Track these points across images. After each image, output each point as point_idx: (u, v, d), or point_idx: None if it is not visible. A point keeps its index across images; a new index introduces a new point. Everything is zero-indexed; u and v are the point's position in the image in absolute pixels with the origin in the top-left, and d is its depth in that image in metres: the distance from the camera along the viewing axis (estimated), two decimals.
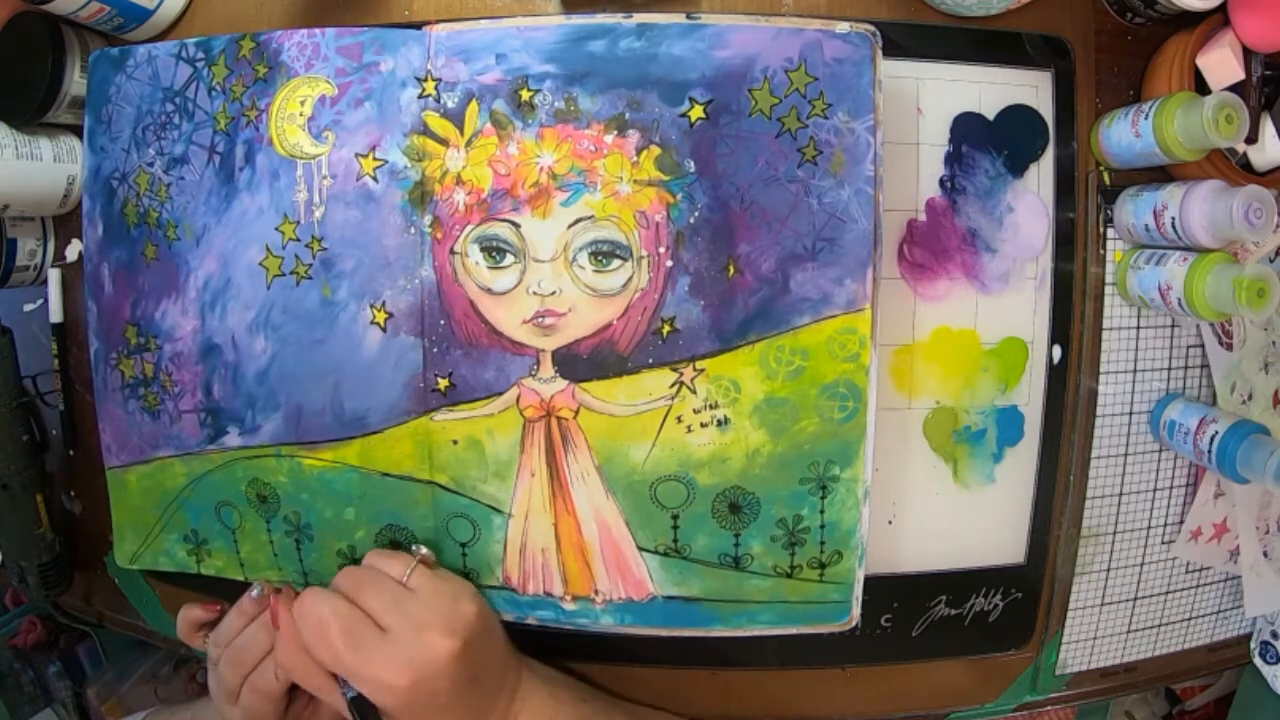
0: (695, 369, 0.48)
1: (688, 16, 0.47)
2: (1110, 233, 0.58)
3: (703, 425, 0.48)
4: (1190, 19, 0.53)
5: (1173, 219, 0.52)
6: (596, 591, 0.51)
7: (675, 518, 0.49)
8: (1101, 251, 0.58)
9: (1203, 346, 0.59)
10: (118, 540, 0.56)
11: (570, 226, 0.47)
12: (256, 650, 0.48)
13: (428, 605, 0.46)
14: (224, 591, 0.55)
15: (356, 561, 0.52)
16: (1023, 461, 0.59)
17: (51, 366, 0.64)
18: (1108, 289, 0.58)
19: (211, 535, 0.54)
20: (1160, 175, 0.56)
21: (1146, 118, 0.52)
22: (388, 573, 0.48)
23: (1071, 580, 0.60)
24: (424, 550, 0.50)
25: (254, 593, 0.50)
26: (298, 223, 0.49)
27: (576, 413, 0.49)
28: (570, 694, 0.53)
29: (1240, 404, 0.60)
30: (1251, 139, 0.53)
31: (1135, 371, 0.59)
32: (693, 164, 0.47)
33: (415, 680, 0.43)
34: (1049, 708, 0.67)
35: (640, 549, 0.50)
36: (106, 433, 0.55)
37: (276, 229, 0.50)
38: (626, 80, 0.47)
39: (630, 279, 0.47)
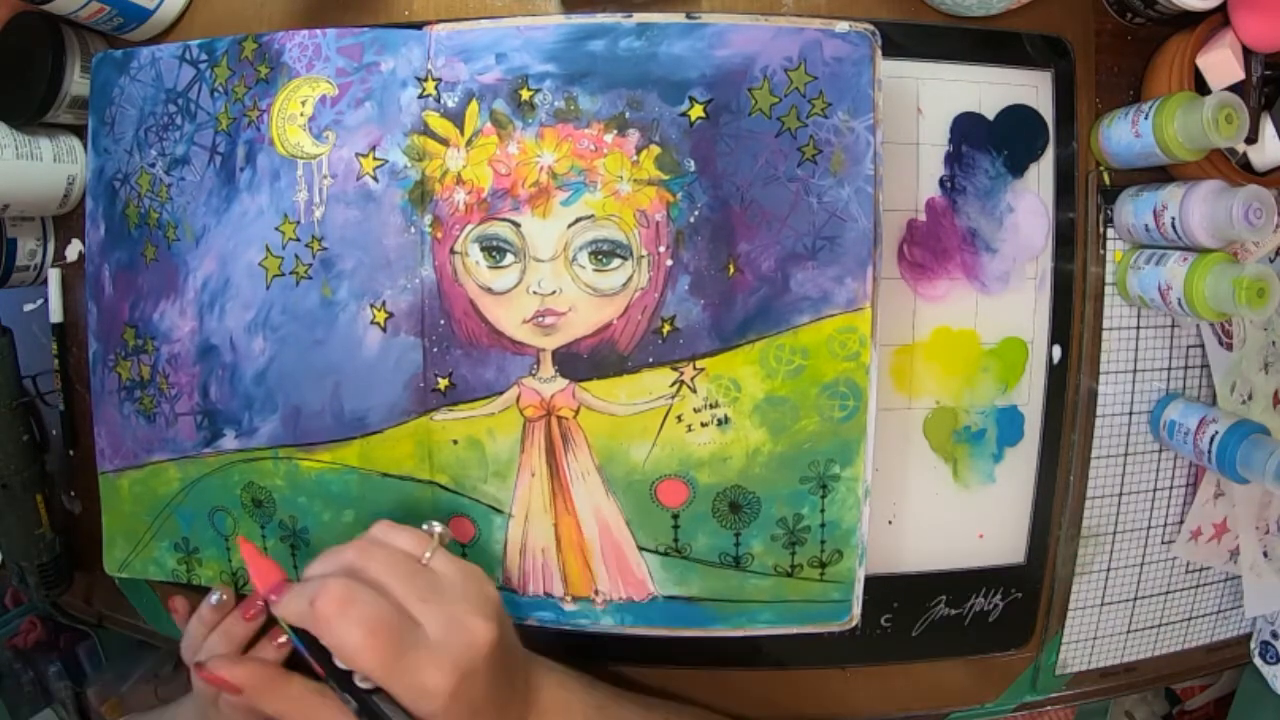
0: (695, 368, 0.48)
1: (688, 16, 0.47)
2: (1110, 233, 0.58)
3: (703, 424, 0.48)
4: (1190, 19, 0.53)
5: (1173, 219, 0.52)
6: (597, 592, 0.51)
7: (675, 517, 0.49)
8: (1101, 251, 0.58)
9: (1203, 346, 0.59)
10: (108, 547, 0.56)
11: (570, 226, 0.47)
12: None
13: (461, 590, 0.41)
14: None
15: None
16: (1023, 461, 0.59)
17: (51, 366, 0.63)
18: (1108, 289, 0.58)
19: (203, 543, 0.54)
20: (1160, 175, 0.56)
21: (1146, 118, 0.52)
22: (408, 551, 0.42)
23: (1071, 580, 0.60)
24: (440, 527, 0.45)
25: (213, 599, 0.50)
26: (298, 223, 0.49)
27: (577, 412, 0.49)
28: (575, 681, 0.50)
29: (1240, 404, 0.60)
30: (1251, 139, 0.53)
31: (1135, 371, 0.59)
32: (693, 163, 0.47)
33: (460, 679, 0.39)
34: (1049, 708, 0.67)
35: (641, 549, 0.50)
36: (102, 436, 0.55)
37: (276, 229, 0.50)
38: (626, 80, 0.47)
39: (630, 278, 0.47)
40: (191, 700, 0.52)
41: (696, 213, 0.47)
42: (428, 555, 0.42)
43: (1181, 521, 0.61)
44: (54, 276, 0.63)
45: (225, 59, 0.50)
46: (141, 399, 0.53)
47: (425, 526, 0.45)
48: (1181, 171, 0.55)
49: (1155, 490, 0.61)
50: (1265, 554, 0.63)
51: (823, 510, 0.49)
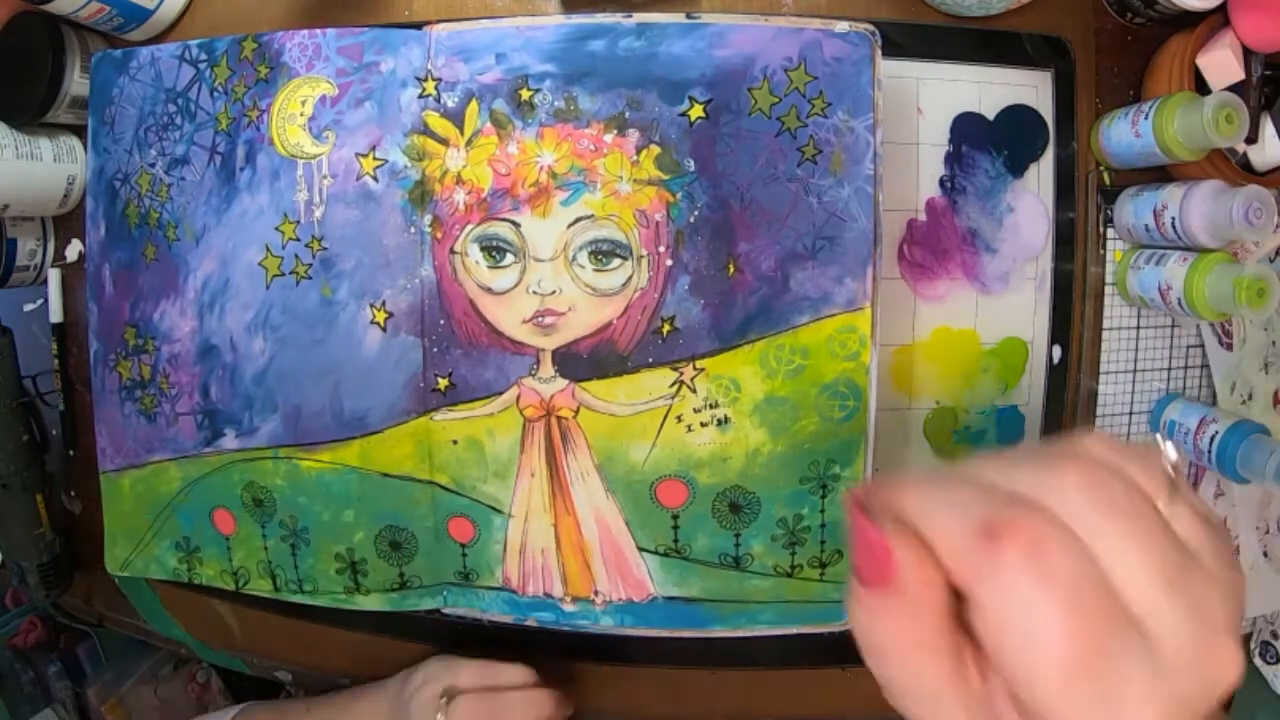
0: (695, 368, 0.48)
1: (687, 16, 0.47)
2: (1110, 233, 0.58)
3: (703, 425, 0.48)
4: (1190, 19, 0.53)
5: (1173, 219, 0.52)
6: (596, 592, 0.51)
7: (675, 518, 0.49)
8: (1101, 251, 0.58)
9: (1203, 346, 0.59)
10: (109, 546, 0.56)
11: (570, 226, 0.47)
12: None
13: (1222, 585, 0.22)
14: (222, 592, 0.55)
15: (356, 564, 0.52)
16: None
17: (51, 366, 0.64)
18: (1108, 289, 0.58)
19: (204, 542, 0.54)
20: (1160, 175, 0.56)
21: (1146, 118, 0.52)
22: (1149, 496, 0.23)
23: None
24: (1175, 453, 0.25)
25: None
26: (298, 222, 0.49)
27: (576, 412, 0.49)
28: None
29: (1240, 404, 0.60)
30: (1251, 139, 0.53)
31: (1135, 371, 0.59)
32: (692, 163, 0.47)
33: None
34: None
35: (640, 549, 0.50)
36: (103, 435, 0.55)
37: (276, 229, 0.50)
38: (626, 79, 0.47)
39: (630, 278, 0.47)
40: (384, 696, 0.55)
41: (696, 213, 0.47)
42: (1160, 505, 0.24)
43: None
44: (54, 276, 0.63)
45: (225, 59, 0.50)
46: (142, 399, 0.53)
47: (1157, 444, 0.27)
48: (1181, 171, 0.55)
49: None
50: (1265, 554, 0.63)
51: (823, 510, 0.49)
